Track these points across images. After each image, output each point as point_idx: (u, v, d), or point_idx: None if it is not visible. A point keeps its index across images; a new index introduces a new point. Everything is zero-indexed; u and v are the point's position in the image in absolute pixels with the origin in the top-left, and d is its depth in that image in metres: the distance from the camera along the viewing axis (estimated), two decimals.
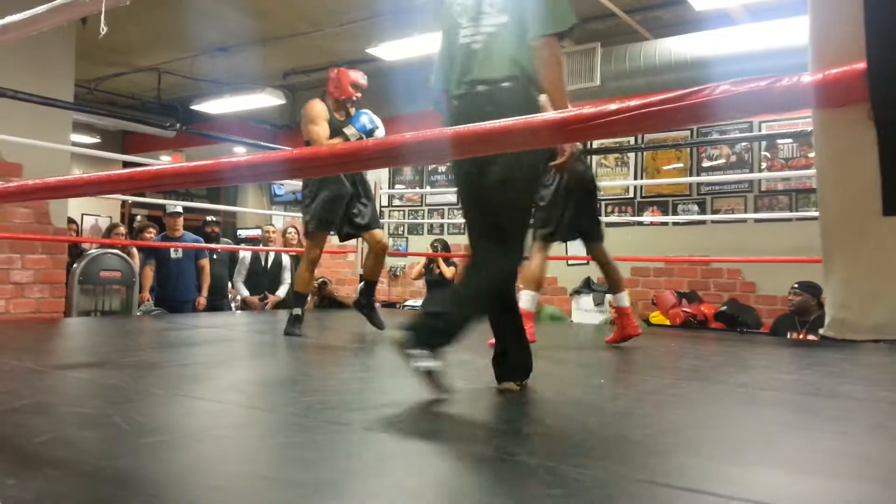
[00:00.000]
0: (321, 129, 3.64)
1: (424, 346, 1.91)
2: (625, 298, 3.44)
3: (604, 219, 6.96)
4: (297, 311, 3.72)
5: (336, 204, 3.68)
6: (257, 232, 7.77)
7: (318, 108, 3.74)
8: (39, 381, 2.18)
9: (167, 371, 2.45)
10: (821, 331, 1.92)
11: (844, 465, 1.47)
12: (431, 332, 1.94)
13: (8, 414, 1.68)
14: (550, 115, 0.77)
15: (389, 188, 8.61)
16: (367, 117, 3.78)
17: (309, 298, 6.69)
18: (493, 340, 2.61)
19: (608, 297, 6.29)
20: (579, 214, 3.37)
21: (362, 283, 4.08)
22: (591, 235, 3.48)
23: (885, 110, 0.62)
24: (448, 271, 6.57)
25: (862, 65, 0.63)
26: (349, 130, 3.67)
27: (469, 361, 3.06)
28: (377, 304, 3.92)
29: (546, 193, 3.36)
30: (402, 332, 1.95)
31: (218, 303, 5.92)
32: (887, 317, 0.63)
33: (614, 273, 3.51)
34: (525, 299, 3.22)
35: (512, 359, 2.25)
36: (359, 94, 3.83)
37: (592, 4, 5.78)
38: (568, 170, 3.21)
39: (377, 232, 3.80)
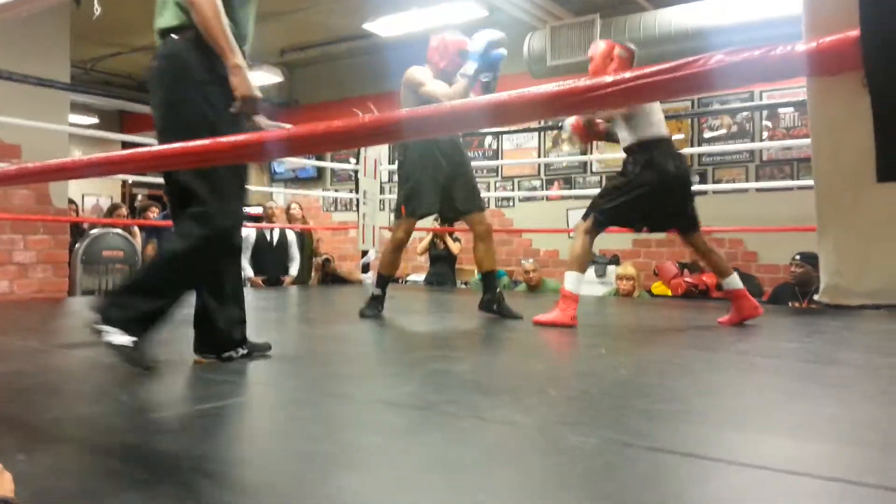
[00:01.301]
0: (437, 86, 3.31)
1: (118, 321, 1.86)
2: (736, 280, 3.18)
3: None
4: (377, 291, 3.53)
5: (431, 188, 3.41)
6: (258, 210, 7.80)
7: (423, 70, 3.43)
8: (46, 361, 2.20)
9: (172, 348, 2.47)
10: (815, 297, 1.94)
11: (844, 430, 1.49)
12: (128, 306, 1.89)
13: (16, 392, 1.70)
14: (545, 87, 0.77)
15: (390, 164, 8.59)
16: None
17: (313, 275, 6.74)
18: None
19: (611, 268, 6.31)
20: (676, 210, 3.20)
21: (479, 276, 3.69)
22: (689, 227, 3.26)
23: (879, 78, 0.62)
24: (454, 246, 6.58)
25: (855, 32, 0.63)
26: (465, 69, 3.24)
27: (472, 332, 3.09)
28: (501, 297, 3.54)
29: (621, 182, 3.20)
30: (98, 305, 1.90)
31: None
32: (881, 282, 0.64)
33: (717, 258, 3.27)
34: (568, 280, 3.12)
35: (212, 325, 2.09)
36: (460, 62, 3.37)
37: None
38: (594, 135, 3.46)
39: (478, 215, 3.49)
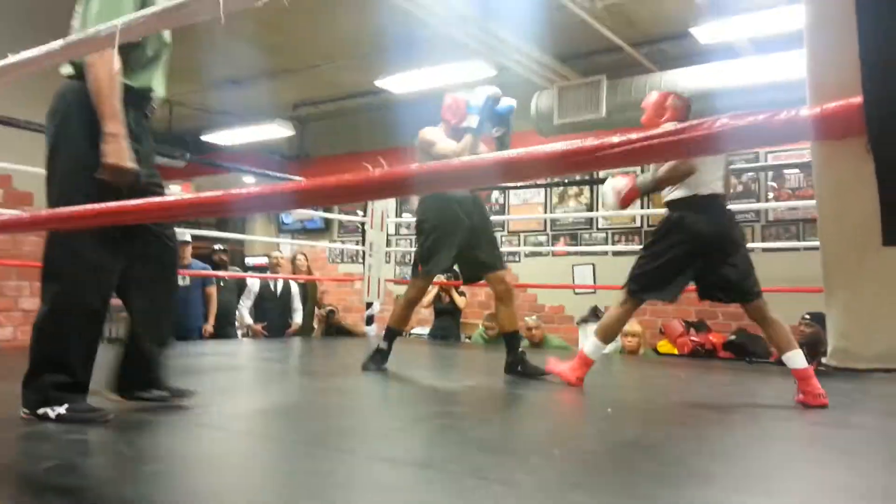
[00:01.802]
0: (447, 144, 3.31)
1: (40, 402, 1.91)
2: (798, 358, 2.67)
3: (610, 248, 7.00)
4: (384, 345, 3.46)
5: (448, 247, 3.32)
6: (265, 260, 7.82)
7: (435, 130, 3.43)
8: None
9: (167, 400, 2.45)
10: (823, 360, 1.87)
11: (854, 498, 1.45)
12: (40, 386, 1.93)
13: (13, 441, 1.68)
14: (553, 146, 0.79)
15: (397, 216, 8.65)
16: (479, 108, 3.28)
17: (316, 326, 6.71)
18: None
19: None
20: (719, 277, 2.81)
21: (504, 337, 3.47)
22: (739, 296, 2.85)
23: (883, 143, 0.63)
24: (460, 301, 6.55)
25: (859, 98, 0.64)
26: (467, 122, 3.26)
27: (476, 389, 3.05)
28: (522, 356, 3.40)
29: (648, 244, 2.99)
30: (23, 400, 1.95)
31: (226, 330, 5.92)
32: (889, 346, 0.63)
33: (777, 330, 2.80)
34: (589, 345, 2.95)
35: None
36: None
37: (598, 38, 5.86)
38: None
39: (498, 274, 3.38)
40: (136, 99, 2.02)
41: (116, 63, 1.86)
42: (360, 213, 7.45)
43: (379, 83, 7.23)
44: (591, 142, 0.74)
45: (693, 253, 2.80)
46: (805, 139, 0.70)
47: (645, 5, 5.64)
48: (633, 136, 0.73)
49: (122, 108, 1.91)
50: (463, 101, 3.41)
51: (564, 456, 1.73)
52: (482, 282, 3.49)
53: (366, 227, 6.05)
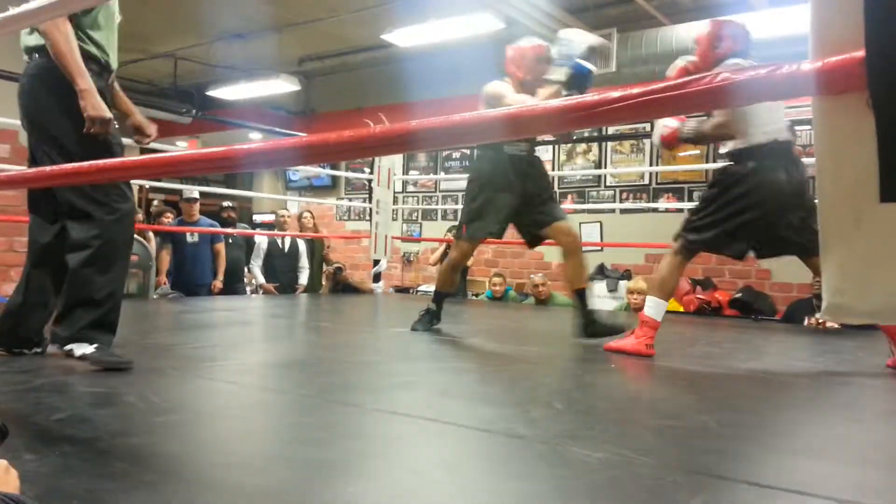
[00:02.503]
0: (519, 98, 3.04)
1: (71, 338, 2.05)
2: None
3: (618, 205, 6.98)
4: (433, 305, 3.33)
5: (497, 211, 3.13)
6: (272, 217, 7.83)
7: (502, 84, 3.14)
8: (56, 361, 2.22)
9: (182, 352, 2.49)
10: (817, 314, 1.84)
11: (853, 450, 1.47)
12: (73, 322, 2.06)
13: (27, 392, 1.72)
14: (553, 101, 0.78)
15: (404, 174, 8.62)
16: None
17: (324, 283, 6.76)
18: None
19: (623, 283, 6.28)
20: (789, 232, 2.61)
21: (575, 295, 3.17)
22: (805, 251, 2.67)
23: (883, 98, 0.63)
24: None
25: (861, 53, 0.63)
26: (556, 75, 2.89)
27: (480, 345, 3.09)
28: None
29: (714, 195, 2.68)
30: (53, 334, 2.09)
31: (234, 287, 5.98)
32: (882, 302, 0.64)
33: None
34: (649, 305, 2.73)
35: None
36: (543, 69, 3.03)
37: None
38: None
39: (561, 224, 3.12)
40: (96, 69, 2.13)
41: (71, 28, 1.99)
42: (367, 170, 7.44)
43: (385, 37, 7.13)
44: (591, 97, 0.74)
45: (767, 208, 2.56)
46: (807, 94, 0.70)
47: None
48: (634, 90, 0.72)
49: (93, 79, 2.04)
50: (529, 49, 3.09)
51: (566, 409, 1.76)
52: (549, 241, 3.21)
53: (372, 184, 6.04)
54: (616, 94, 0.73)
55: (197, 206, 5.69)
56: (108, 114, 2.04)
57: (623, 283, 6.28)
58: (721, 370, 2.52)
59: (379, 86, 8.42)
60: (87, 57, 2.08)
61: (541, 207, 3.14)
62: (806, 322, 4.48)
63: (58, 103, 2.06)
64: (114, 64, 2.24)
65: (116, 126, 2.17)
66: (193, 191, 5.72)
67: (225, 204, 6.54)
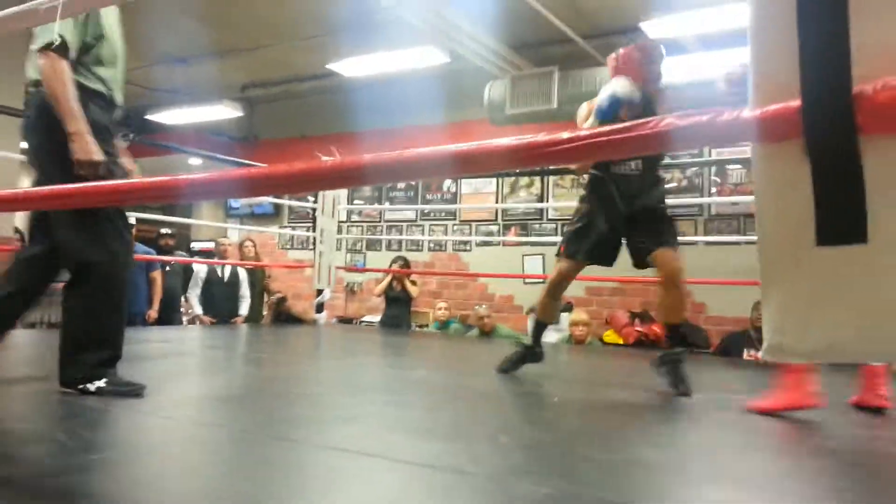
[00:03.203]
0: (584, 123, 2.94)
1: (81, 379, 2.10)
2: None
3: (558, 238, 7.09)
4: (529, 341, 3.09)
5: (598, 233, 2.94)
6: (212, 245, 7.65)
7: (583, 106, 3.02)
8: None
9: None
10: (759, 354, 1.86)
11: (789, 484, 1.51)
12: (79, 363, 2.11)
13: None
14: (504, 141, 0.80)
15: (348, 203, 8.58)
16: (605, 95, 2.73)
17: (265, 313, 6.62)
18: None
19: (565, 315, 6.36)
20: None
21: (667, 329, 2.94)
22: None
23: (819, 146, 0.66)
24: (412, 289, 6.54)
25: (797, 102, 0.66)
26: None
27: (426, 378, 3.07)
28: None
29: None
30: (62, 379, 2.11)
31: (170, 316, 5.79)
32: (821, 342, 0.66)
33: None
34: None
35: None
36: (655, 70, 2.84)
37: (551, 29, 5.90)
38: None
39: (663, 252, 2.79)
40: (101, 105, 2.17)
41: (67, 69, 2.02)
42: (311, 199, 7.37)
43: (331, 66, 7.14)
44: (541, 137, 0.75)
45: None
46: (746, 140, 0.73)
47: None
48: (582, 133, 0.74)
49: (89, 108, 2.08)
50: (634, 54, 2.86)
51: (512, 444, 1.76)
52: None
53: (317, 213, 5.99)
54: (566, 135, 0.74)
55: (132, 233, 5.51)
56: (98, 156, 2.04)
57: (565, 316, 6.36)
58: (660, 403, 2.57)
59: (324, 114, 8.40)
60: (93, 93, 2.13)
61: (647, 228, 2.86)
62: (745, 355, 4.63)
63: (52, 141, 2.05)
64: (118, 100, 2.26)
65: (115, 163, 2.19)
66: (129, 217, 5.53)
67: (163, 231, 6.36)
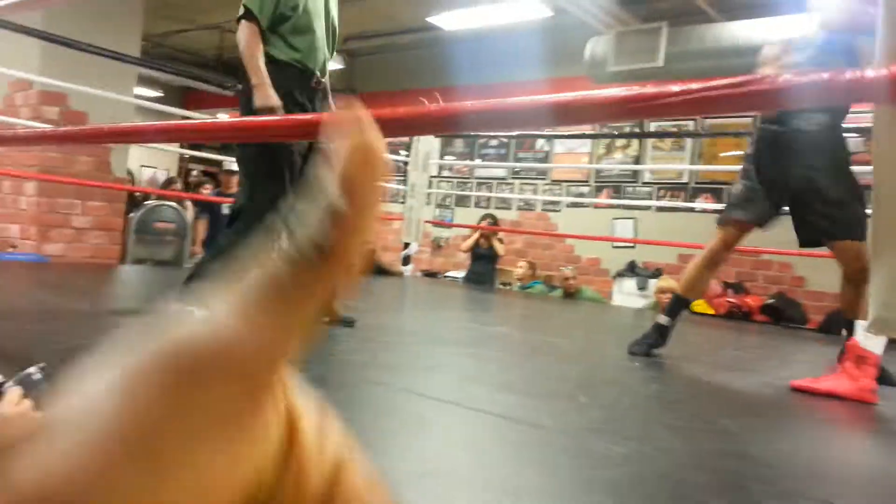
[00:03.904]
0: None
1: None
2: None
3: (654, 203, 6.88)
4: (665, 319, 2.63)
5: (764, 192, 2.45)
6: None
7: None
8: (95, 324, 2.29)
9: None
10: (863, 329, 1.64)
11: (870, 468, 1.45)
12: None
13: (65, 352, 1.77)
14: (611, 91, 0.78)
15: (440, 158, 8.62)
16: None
17: None
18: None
19: (652, 281, 6.23)
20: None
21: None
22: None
23: None
24: (499, 247, 6.55)
25: None
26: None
27: (507, 334, 3.09)
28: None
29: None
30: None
31: None
32: None
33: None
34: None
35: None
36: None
37: None
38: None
39: (847, 245, 2.35)
40: (296, 76, 2.46)
41: (253, 35, 2.37)
42: (404, 152, 7.45)
43: (432, 19, 7.11)
44: (650, 89, 0.73)
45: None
46: (868, 101, 0.68)
47: None
48: (694, 86, 0.71)
49: (285, 82, 2.40)
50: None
51: (589, 403, 1.76)
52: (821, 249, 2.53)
53: (409, 166, 6.05)
54: (675, 87, 0.72)
55: (236, 179, 5.76)
56: (270, 103, 2.31)
57: (653, 282, 6.22)
58: (742, 375, 2.49)
59: (423, 68, 8.41)
60: (283, 64, 2.43)
61: (822, 209, 2.38)
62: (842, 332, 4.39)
63: (244, 92, 2.42)
64: (316, 66, 2.53)
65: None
66: (233, 162, 5.78)
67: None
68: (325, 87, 2.60)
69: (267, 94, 2.32)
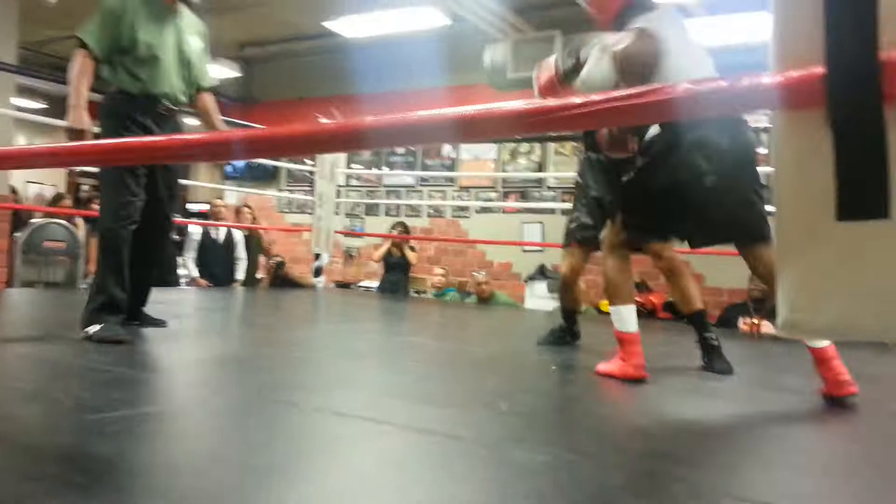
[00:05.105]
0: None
1: (86, 321, 2.43)
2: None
3: (557, 205, 7.06)
4: (563, 324, 3.08)
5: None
6: (206, 207, 7.59)
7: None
8: None
9: (110, 347, 2.38)
10: (774, 331, 1.69)
11: (792, 459, 1.52)
12: (88, 303, 2.49)
13: None
14: (512, 104, 0.77)
15: (347, 167, 8.52)
16: None
17: (265, 276, 6.60)
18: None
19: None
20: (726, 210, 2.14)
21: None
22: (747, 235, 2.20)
23: (842, 116, 0.63)
24: (411, 256, 6.53)
25: (821, 69, 0.64)
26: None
27: (423, 344, 3.07)
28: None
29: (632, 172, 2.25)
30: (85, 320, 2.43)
31: (166, 279, 5.76)
32: (836, 319, 0.65)
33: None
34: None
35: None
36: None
37: None
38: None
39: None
40: (140, 103, 2.58)
41: (83, 62, 2.50)
42: (310, 162, 7.31)
43: (329, 25, 7.01)
44: (553, 102, 0.73)
45: (691, 180, 2.08)
46: (766, 107, 0.70)
47: None
48: (596, 97, 0.71)
49: (133, 112, 2.56)
50: None
51: (508, 411, 1.76)
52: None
53: (315, 176, 5.94)
54: (578, 100, 0.71)
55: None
56: (80, 126, 2.43)
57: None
58: (656, 373, 2.57)
59: (323, 75, 8.29)
60: (129, 92, 2.57)
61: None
62: (740, 324, 4.63)
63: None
64: (162, 93, 2.63)
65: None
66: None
67: None
68: (174, 114, 2.73)
69: (79, 116, 2.44)
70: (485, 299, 5.90)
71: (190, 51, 2.75)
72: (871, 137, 0.62)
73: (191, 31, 2.77)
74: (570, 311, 3.12)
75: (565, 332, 3.09)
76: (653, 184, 2.14)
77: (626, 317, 2.27)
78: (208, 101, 2.91)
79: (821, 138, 0.64)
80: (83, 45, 2.51)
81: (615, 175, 2.61)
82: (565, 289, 3.15)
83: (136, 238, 2.57)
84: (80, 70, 2.49)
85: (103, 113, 2.61)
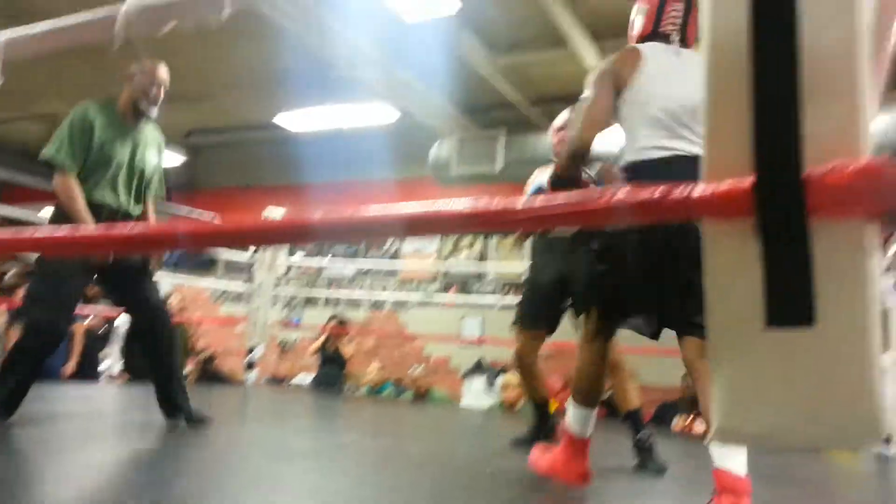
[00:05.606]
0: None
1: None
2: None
3: (499, 300, 7.11)
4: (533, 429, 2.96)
5: (536, 293, 2.94)
6: None
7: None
8: None
9: (22, 445, 2.21)
10: (706, 439, 1.61)
11: None
12: None
13: None
14: (461, 205, 0.78)
15: (289, 255, 8.44)
16: None
17: (189, 371, 6.31)
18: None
19: (499, 379, 6.33)
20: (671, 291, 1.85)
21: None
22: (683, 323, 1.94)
23: (769, 226, 0.66)
24: (348, 349, 6.40)
25: (750, 179, 0.67)
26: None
27: (357, 442, 2.96)
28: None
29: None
30: None
31: (86, 372, 5.46)
32: (766, 426, 0.65)
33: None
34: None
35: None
36: None
37: (498, 94, 6.06)
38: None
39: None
40: (95, 210, 2.58)
41: (67, 183, 2.54)
42: (252, 250, 7.21)
43: (277, 120, 7.12)
44: (497, 204, 0.74)
45: (644, 257, 1.86)
46: (697, 216, 0.72)
47: (541, 66, 5.91)
48: (536, 203, 0.73)
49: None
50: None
51: None
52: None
53: (254, 266, 5.84)
54: (519, 205, 0.73)
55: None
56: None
57: (500, 380, 6.32)
58: (602, 472, 2.53)
59: (268, 165, 8.34)
60: (88, 203, 2.57)
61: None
62: (674, 423, 4.66)
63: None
64: (112, 202, 2.67)
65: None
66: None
67: None
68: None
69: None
70: (421, 395, 5.80)
71: (144, 163, 2.79)
72: (797, 247, 0.65)
73: (149, 144, 2.82)
74: (539, 404, 2.96)
75: (538, 431, 2.90)
76: (623, 266, 1.89)
77: (584, 420, 2.01)
78: (149, 206, 2.93)
79: (749, 247, 0.66)
80: (60, 168, 2.53)
81: (583, 259, 2.44)
82: (523, 376, 3.04)
83: (142, 340, 2.75)
84: (68, 195, 2.52)
85: (51, 219, 2.69)
